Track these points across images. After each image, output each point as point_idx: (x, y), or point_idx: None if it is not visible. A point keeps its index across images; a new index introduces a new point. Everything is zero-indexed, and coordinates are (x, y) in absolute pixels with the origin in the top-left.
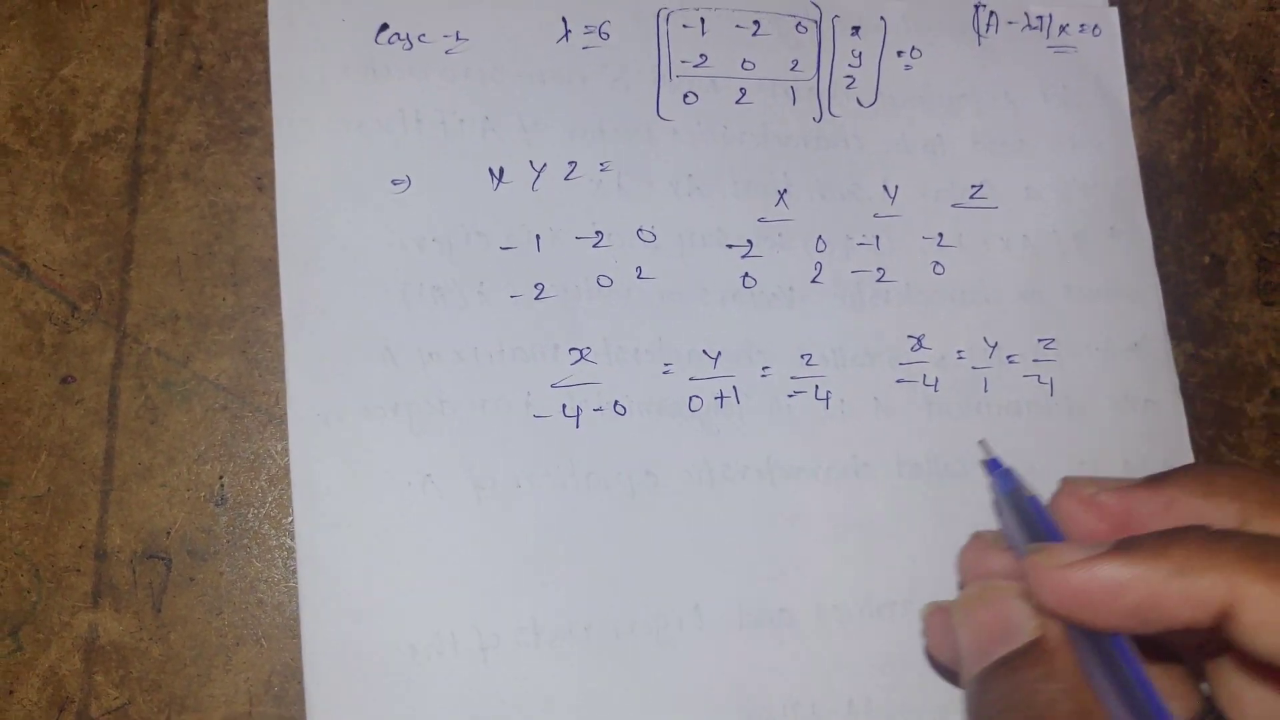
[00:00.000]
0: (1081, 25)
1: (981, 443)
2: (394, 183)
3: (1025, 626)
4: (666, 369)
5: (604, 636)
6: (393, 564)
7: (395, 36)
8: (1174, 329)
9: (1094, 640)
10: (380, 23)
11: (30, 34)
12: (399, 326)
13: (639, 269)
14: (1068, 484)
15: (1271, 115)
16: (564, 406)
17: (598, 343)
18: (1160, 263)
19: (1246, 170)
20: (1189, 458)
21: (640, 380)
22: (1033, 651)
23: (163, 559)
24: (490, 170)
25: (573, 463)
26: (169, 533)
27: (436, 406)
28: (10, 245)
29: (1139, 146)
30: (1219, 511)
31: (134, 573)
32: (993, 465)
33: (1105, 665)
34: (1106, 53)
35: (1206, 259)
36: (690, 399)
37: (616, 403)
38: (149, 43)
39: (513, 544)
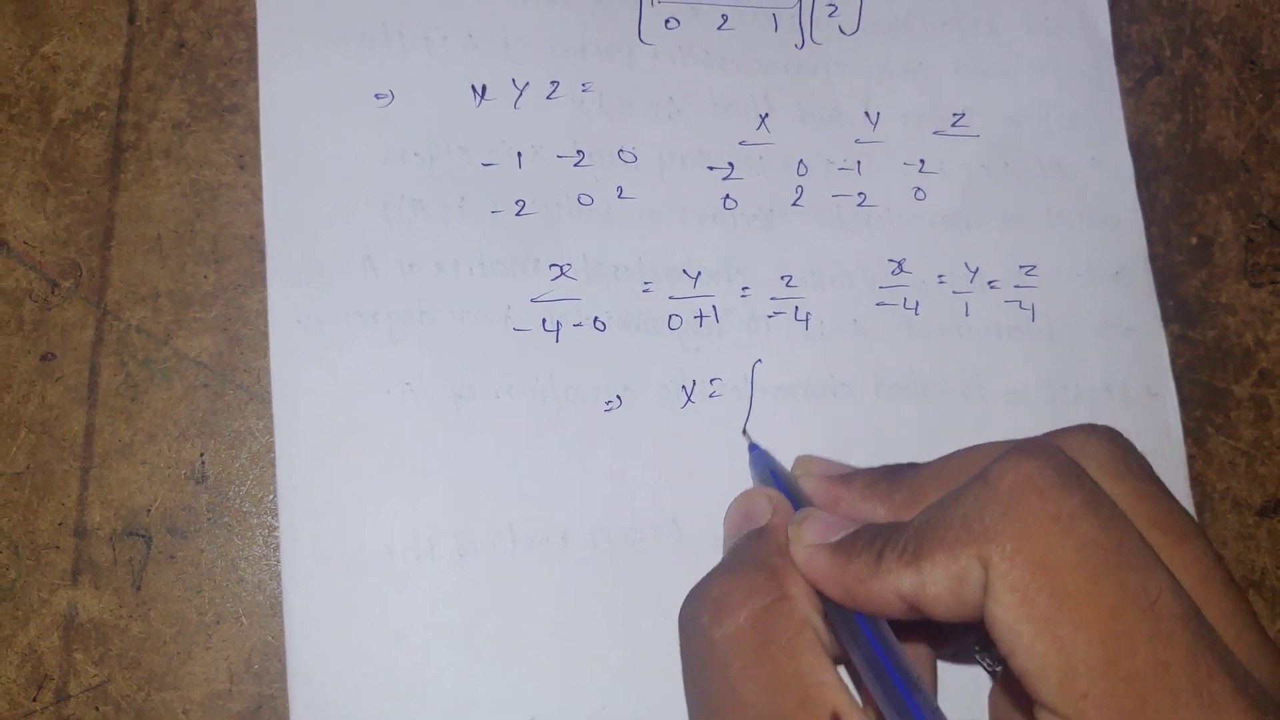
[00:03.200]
0: None
1: (744, 432)
2: (377, 96)
3: (762, 516)
4: (646, 287)
5: (580, 547)
6: (372, 469)
7: None
8: (1161, 310)
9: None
10: None
11: (11, 10)
12: (379, 237)
13: (620, 189)
14: (800, 462)
15: (1259, 97)
16: (544, 321)
17: (578, 259)
18: (1148, 244)
19: (1234, 152)
20: (1169, 384)
21: (620, 297)
22: (763, 530)
23: (143, 536)
24: (473, 87)
25: (552, 376)
26: (149, 510)
27: (416, 316)
28: None
29: (1126, 128)
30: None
31: (114, 550)
32: (752, 448)
33: (849, 630)
34: None
35: (1194, 240)
36: (670, 317)
37: (596, 319)
38: (131, 20)
39: (491, 453)
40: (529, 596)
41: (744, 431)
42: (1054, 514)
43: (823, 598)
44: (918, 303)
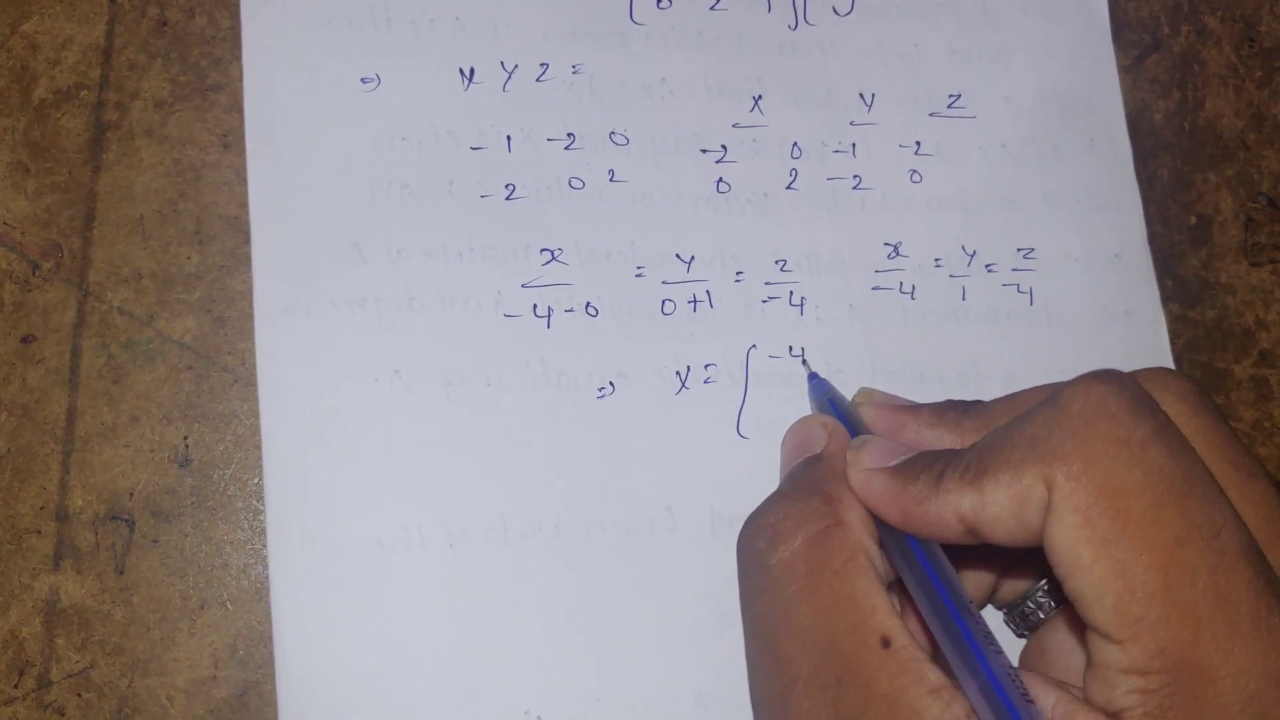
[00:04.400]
0: None
1: (803, 361)
2: (363, 81)
3: (817, 444)
4: (639, 272)
5: (573, 536)
6: (360, 458)
7: None
8: (1160, 290)
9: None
10: None
11: None
12: (367, 223)
13: (611, 172)
14: (863, 392)
15: (1259, 74)
16: (535, 306)
17: (569, 244)
18: (1146, 223)
19: (1233, 130)
20: (1169, 368)
21: (612, 283)
22: (819, 456)
23: (125, 520)
24: (461, 70)
25: (543, 363)
26: (132, 494)
27: (405, 303)
28: None
29: (1124, 105)
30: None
31: (96, 534)
32: (811, 377)
33: (903, 554)
34: None
35: (1193, 219)
36: (663, 302)
37: (588, 304)
38: None
39: (482, 442)
40: (521, 587)
41: (803, 361)
42: (1123, 439)
43: (879, 524)
44: (914, 287)
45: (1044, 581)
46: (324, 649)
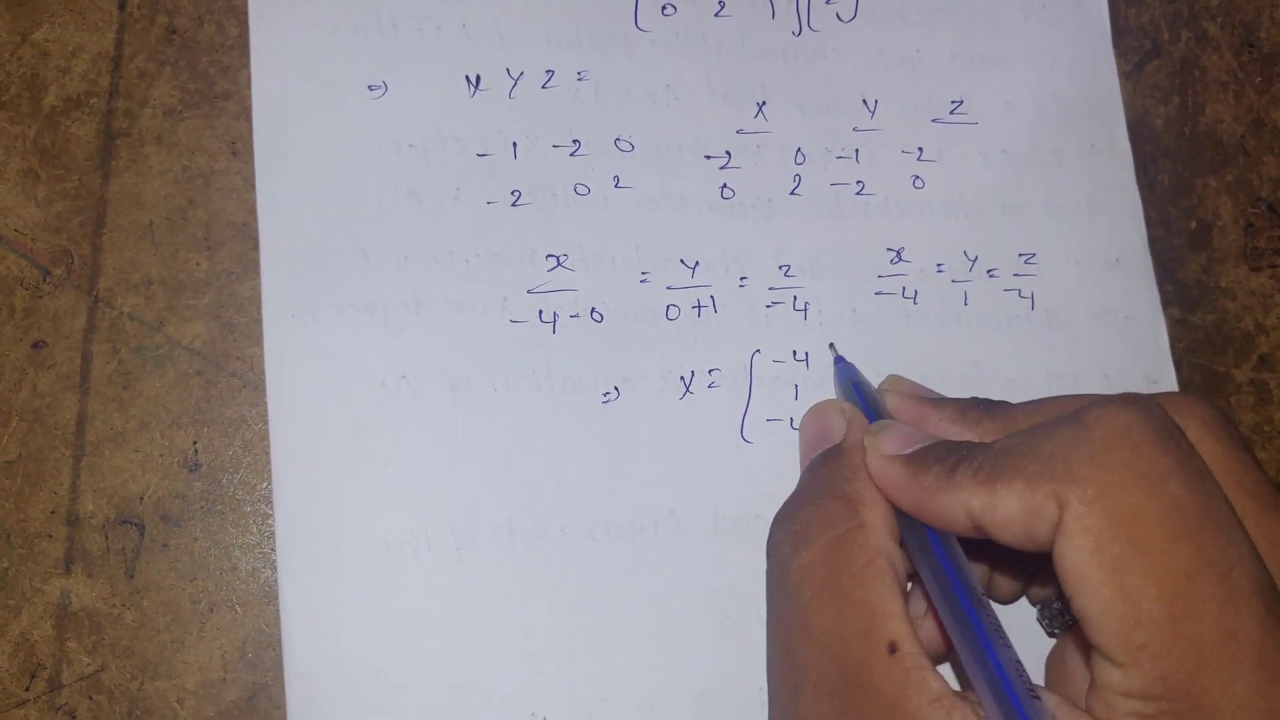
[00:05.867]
0: None
1: (831, 346)
2: (370, 88)
3: (836, 433)
4: (644, 277)
5: (579, 538)
6: (367, 462)
7: None
8: (1160, 294)
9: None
10: None
11: None
12: (374, 229)
13: (616, 178)
14: (890, 379)
15: (1259, 80)
16: (540, 312)
17: (575, 250)
18: (1147, 228)
19: (1233, 135)
20: (1170, 372)
21: (617, 288)
22: (838, 449)
23: (136, 525)
24: (467, 77)
25: (549, 367)
26: (142, 498)
27: (412, 308)
28: None
29: (1125, 111)
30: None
31: (106, 538)
32: (838, 360)
33: (920, 545)
34: None
35: (1193, 224)
36: (668, 307)
37: (594, 310)
38: (121, 7)
39: (488, 446)
40: (527, 589)
41: (830, 345)
42: (1144, 470)
43: (899, 516)
44: (916, 292)
45: (1039, 607)
46: (332, 651)
